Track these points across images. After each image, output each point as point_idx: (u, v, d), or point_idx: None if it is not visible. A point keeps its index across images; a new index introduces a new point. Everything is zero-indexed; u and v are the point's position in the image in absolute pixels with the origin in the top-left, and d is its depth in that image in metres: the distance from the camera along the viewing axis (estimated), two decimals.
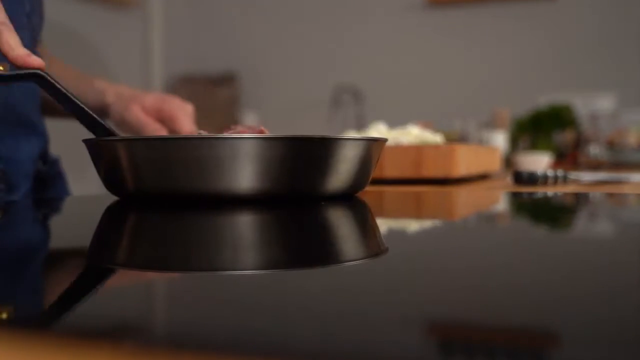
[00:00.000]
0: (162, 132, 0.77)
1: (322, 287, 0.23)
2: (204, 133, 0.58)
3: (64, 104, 0.50)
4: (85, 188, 1.29)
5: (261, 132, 0.51)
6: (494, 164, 1.12)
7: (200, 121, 0.87)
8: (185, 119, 0.78)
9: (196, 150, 0.44)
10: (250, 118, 2.99)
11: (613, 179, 0.89)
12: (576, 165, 1.83)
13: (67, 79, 0.83)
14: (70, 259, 0.30)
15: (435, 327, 0.18)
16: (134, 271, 0.27)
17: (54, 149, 0.86)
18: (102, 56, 2.75)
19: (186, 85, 2.98)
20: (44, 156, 0.81)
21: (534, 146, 2.01)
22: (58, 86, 0.49)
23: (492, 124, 2.11)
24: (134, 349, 0.15)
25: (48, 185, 0.81)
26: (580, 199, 0.63)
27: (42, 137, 0.79)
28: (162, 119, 0.78)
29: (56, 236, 0.38)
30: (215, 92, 2.98)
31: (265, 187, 0.45)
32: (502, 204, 0.61)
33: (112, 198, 0.53)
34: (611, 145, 1.90)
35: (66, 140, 1.23)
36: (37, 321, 0.19)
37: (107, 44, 2.80)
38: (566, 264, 0.27)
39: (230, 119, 3.00)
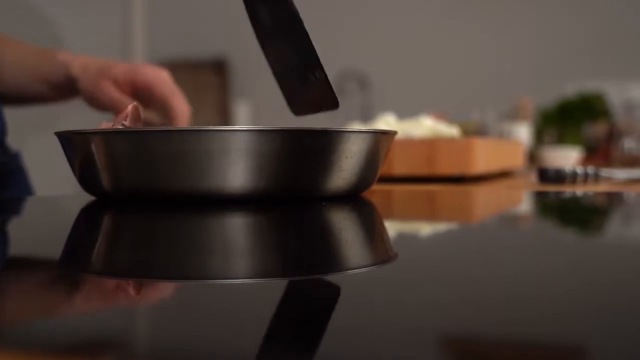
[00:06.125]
0: None
1: (323, 297, 0.23)
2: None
3: None
4: (47, 186, 1.29)
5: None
6: (516, 159, 1.12)
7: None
8: (162, 86, 0.78)
9: (182, 144, 0.44)
10: (242, 108, 2.99)
11: None
12: (609, 161, 1.83)
13: (26, 55, 0.83)
14: (41, 266, 0.30)
15: (450, 344, 0.18)
16: (112, 280, 0.27)
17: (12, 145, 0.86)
18: (79, 41, 2.75)
19: (171, 72, 2.98)
20: (2, 146, 0.81)
21: (562, 140, 2.01)
22: None
23: (514, 115, 2.11)
24: None
25: (9, 180, 0.82)
26: (613, 199, 0.63)
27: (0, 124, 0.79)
28: (137, 90, 0.79)
29: (24, 240, 0.38)
30: (203, 80, 2.98)
31: (260, 185, 0.45)
32: (525, 205, 0.61)
33: (88, 198, 0.53)
34: None
35: (25, 135, 1.23)
36: (3, 338, 0.19)
37: (84, 27, 2.80)
38: (598, 273, 0.27)
39: (220, 110, 3.00)
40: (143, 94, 0.78)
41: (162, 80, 0.78)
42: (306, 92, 0.55)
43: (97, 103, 0.79)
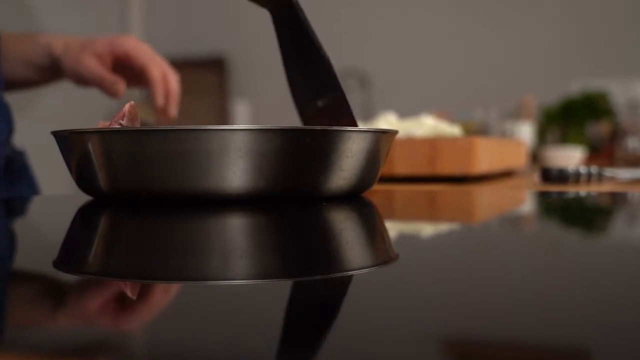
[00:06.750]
0: (120, 84, 0.78)
1: (323, 299, 0.23)
2: None
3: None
4: (49, 185, 1.29)
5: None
6: (519, 159, 1.12)
7: (183, 111, 0.88)
8: (140, 54, 0.79)
9: (180, 143, 0.44)
10: (240, 108, 2.99)
11: None
12: (612, 160, 1.83)
13: (8, 41, 0.83)
14: (37, 267, 0.30)
15: (451, 346, 0.18)
16: (109, 281, 0.27)
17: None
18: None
19: None
20: (9, 144, 0.81)
21: (565, 139, 2.01)
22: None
23: (517, 114, 2.11)
24: None
25: (16, 178, 0.82)
26: (617, 199, 0.63)
27: (7, 119, 0.79)
28: (118, 62, 0.80)
29: (20, 241, 0.38)
30: (202, 79, 2.98)
31: (259, 185, 0.45)
32: (528, 205, 0.61)
33: (85, 198, 0.53)
34: None
35: (28, 135, 1.23)
36: (1, 339, 0.19)
37: (82, 26, 2.80)
38: (602, 275, 0.27)
39: (218, 109, 3.00)
40: (123, 64, 0.80)
41: (141, 49, 0.80)
42: (325, 113, 0.57)
43: (81, 79, 0.80)
